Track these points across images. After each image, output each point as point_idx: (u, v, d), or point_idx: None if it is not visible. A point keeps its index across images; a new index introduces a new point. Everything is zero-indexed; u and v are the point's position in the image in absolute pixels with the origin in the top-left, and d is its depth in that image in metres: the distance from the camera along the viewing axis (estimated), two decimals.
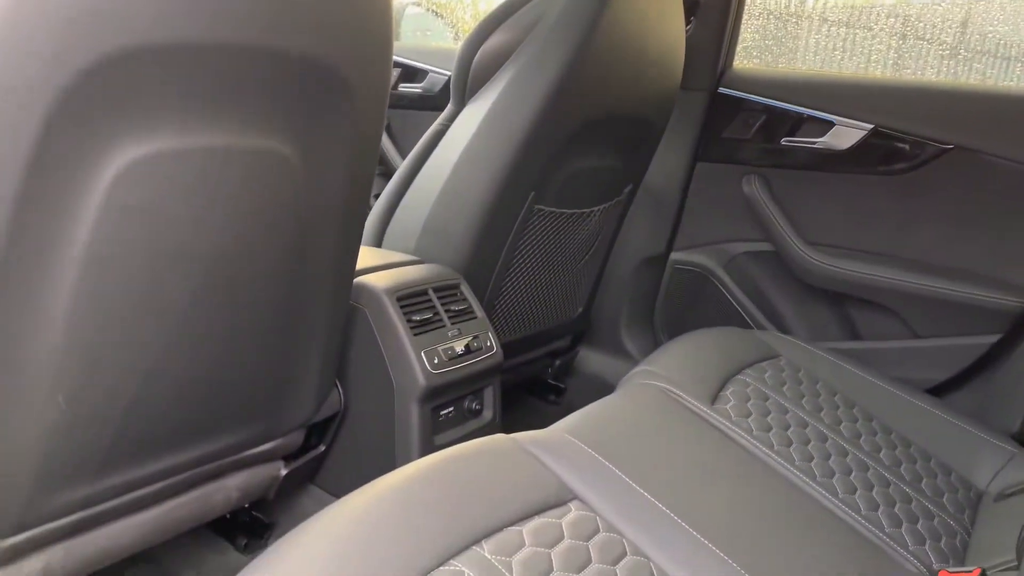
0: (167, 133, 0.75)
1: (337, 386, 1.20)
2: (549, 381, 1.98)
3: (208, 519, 1.09)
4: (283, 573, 0.65)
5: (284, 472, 1.16)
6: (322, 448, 1.22)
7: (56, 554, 0.89)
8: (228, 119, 0.80)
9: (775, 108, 1.73)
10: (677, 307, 1.97)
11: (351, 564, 0.67)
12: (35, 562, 0.87)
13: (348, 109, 0.90)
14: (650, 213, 1.91)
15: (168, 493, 0.99)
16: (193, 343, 0.88)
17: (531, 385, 1.99)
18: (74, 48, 0.64)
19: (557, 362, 1.90)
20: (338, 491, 1.27)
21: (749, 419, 1.15)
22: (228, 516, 1.28)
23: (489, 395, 1.34)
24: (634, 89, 1.44)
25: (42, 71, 0.63)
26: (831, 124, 1.66)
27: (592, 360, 2.04)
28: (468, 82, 1.40)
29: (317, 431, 1.20)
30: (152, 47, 0.69)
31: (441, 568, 0.70)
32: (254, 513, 1.28)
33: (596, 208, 1.60)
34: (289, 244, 0.95)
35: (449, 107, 1.45)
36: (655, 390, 1.15)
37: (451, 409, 1.26)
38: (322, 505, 1.29)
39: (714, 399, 1.17)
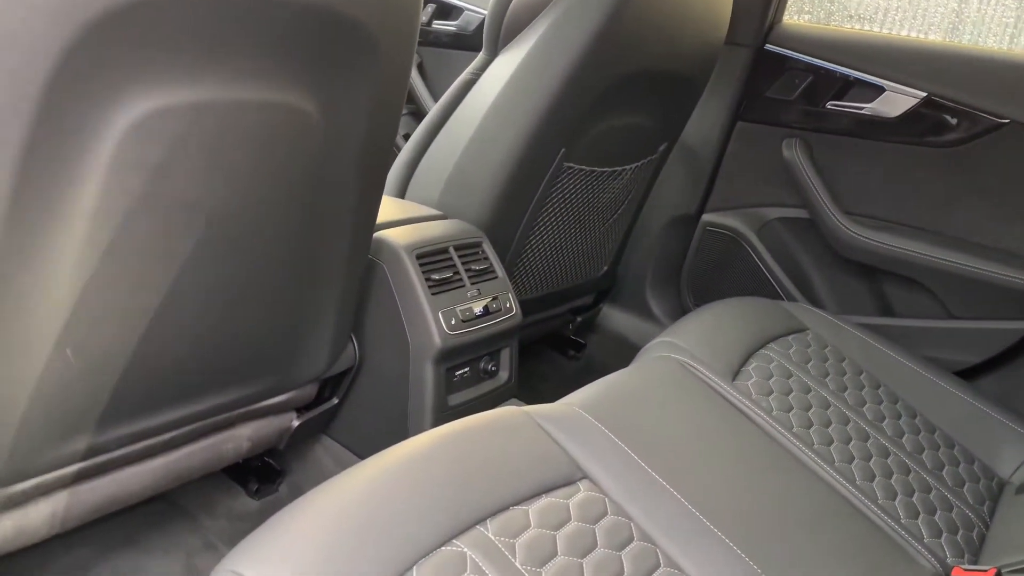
0: (179, 86, 0.72)
1: (353, 341, 1.19)
2: (570, 336, 1.96)
3: (219, 467, 1.10)
4: (283, 544, 0.64)
5: (296, 423, 1.16)
6: (335, 401, 1.21)
7: (63, 500, 0.90)
8: (244, 73, 0.76)
9: (823, 69, 1.65)
10: (705, 270, 1.93)
11: (352, 539, 0.66)
12: (43, 507, 0.88)
13: (371, 64, 0.86)
14: (684, 172, 1.85)
15: (178, 442, 1.00)
16: (203, 298, 0.87)
17: (552, 339, 1.98)
18: (78, 1, 0.60)
19: (579, 319, 1.88)
20: (351, 443, 1.28)
21: (770, 397, 1.12)
22: (241, 461, 1.29)
23: (506, 356, 1.32)
24: (674, 44, 1.37)
25: (46, 25, 0.60)
26: (881, 90, 1.58)
27: (615, 318, 2.01)
28: (501, 32, 1.35)
29: (331, 384, 1.19)
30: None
31: (443, 548, 0.69)
32: (267, 459, 1.28)
33: (628, 166, 1.54)
34: (306, 199, 0.92)
35: (481, 56, 1.40)
36: (675, 364, 1.12)
37: (466, 370, 1.24)
38: (334, 456, 1.30)
39: (735, 374, 1.15)
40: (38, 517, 0.88)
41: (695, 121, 1.73)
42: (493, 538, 0.72)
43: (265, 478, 1.26)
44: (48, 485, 0.86)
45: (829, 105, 1.65)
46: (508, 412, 0.88)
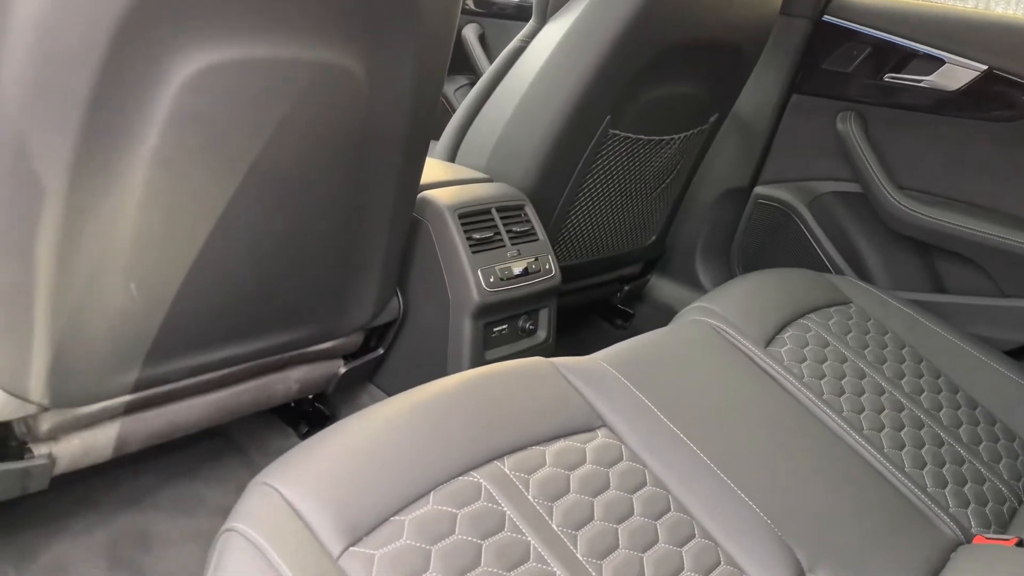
0: (234, 43, 0.78)
1: (398, 295, 1.25)
2: (618, 306, 1.99)
3: (270, 406, 1.17)
4: (313, 463, 0.70)
5: (343, 370, 1.22)
6: (380, 351, 1.28)
7: (126, 425, 0.99)
8: (295, 31, 0.82)
9: (881, 41, 1.62)
10: (756, 243, 1.92)
11: (376, 463, 0.71)
12: (108, 430, 0.97)
13: (413, 26, 0.90)
14: (736, 144, 1.84)
15: (232, 379, 1.07)
16: (254, 246, 0.94)
17: (600, 308, 2.01)
18: None
19: (627, 288, 1.90)
20: (394, 391, 1.34)
21: (802, 364, 1.13)
22: (293, 405, 1.37)
23: (544, 316, 1.36)
24: (725, 14, 1.38)
25: None
26: (940, 62, 1.55)
27: (663, 288, 2.02)
28: (550, 0, 1.37)
29: (376, 334, 1.26)
30: None
31: (460, 478, 0.74)
32: (316, 404, 1.36)
33: (677, 136, 1.56)
34: (352, 156, 0.98)
35: (530, 23, 1.43)
36: (706, 327, 1.15)
37: (505, 327, 1.29)
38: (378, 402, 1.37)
39: (769, 341, 1.16)
40: (103, 438, 0.97)
41: (748, 92, 1.72)
42: (508, 472, 0.76)
43: (314, 421, 1.34)
44: (112, 410, 0.94)
45: (887, 78, 1.62)
46: (534, 361, 0.92)
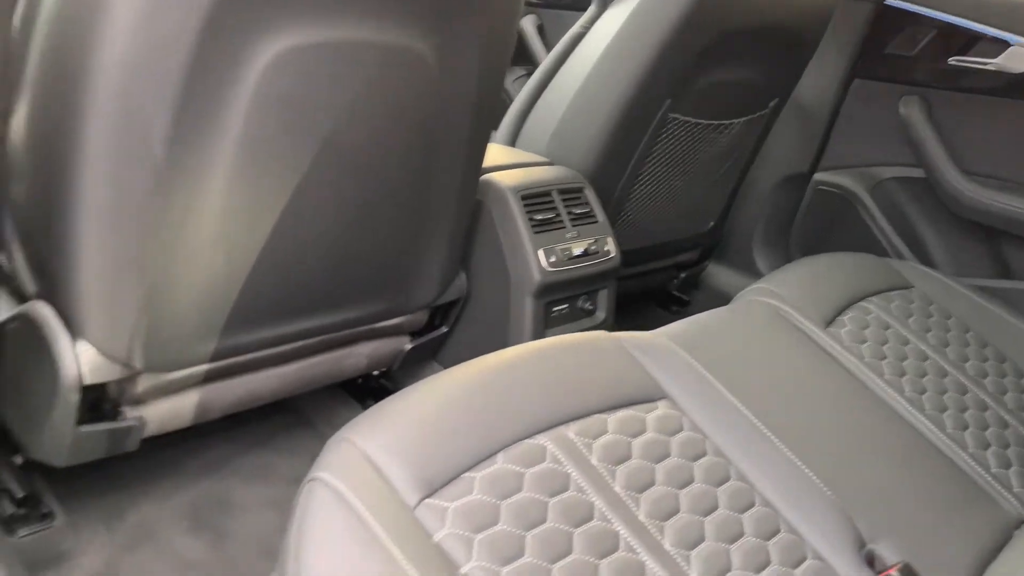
0: (314, 26, 0.82)
1: (462, 274, 1.29)
2: (674, 293, 2.00)
3: (340, 379, 1.23)
4: (394, 419, 0.74)
5: (408, 347, 1.27)
6: (444, 329, 1.32)
7: (211, 392, 1.04)
8: (370, 15, 0.86)
9: (946, 23, 1.60)
10: (815, 230, 1.91)
11: (448, 424, 0.75)
12: (193, 396, 1.02)
13: (482, 11, 0.94)
14: (796, 129, 1.84)
15: (306, 352, 1.13)
16: (330, 220, 0.98)
17: (655, 294, 2.02)
18: None
19: (683, 274, 1.91)
20: None
21: (863, 345, 1.14)
22: (360, 381, 1.42)
23: (603, 297, 1.38)
24: None
25: None
26: (1006, 44, 1.52)
27: (720, 276, 2.03)
28: None
29: (441, 313, 1.30)
30: None
31: (527, 440, 0.77)
32: (382, 381, 1.41)
33: (736, 121, 1.56)
34: (421, 137, 1.02)
35: (591, 9, 1.45)
36: (766, 307, 1.16)
37: (565, 306, 1.32)
38: None
39: (829, 323, 1.16)
40: (188, 404, 1.03)
41: (809, 77, 1.72)
42: (572, 437, 0.79)
43: (380, 397, 1.39)
44: (197, 377, 1.00)
45: (951, 61, 1.60)
46: (596, 334, 0.94)
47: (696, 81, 1.39)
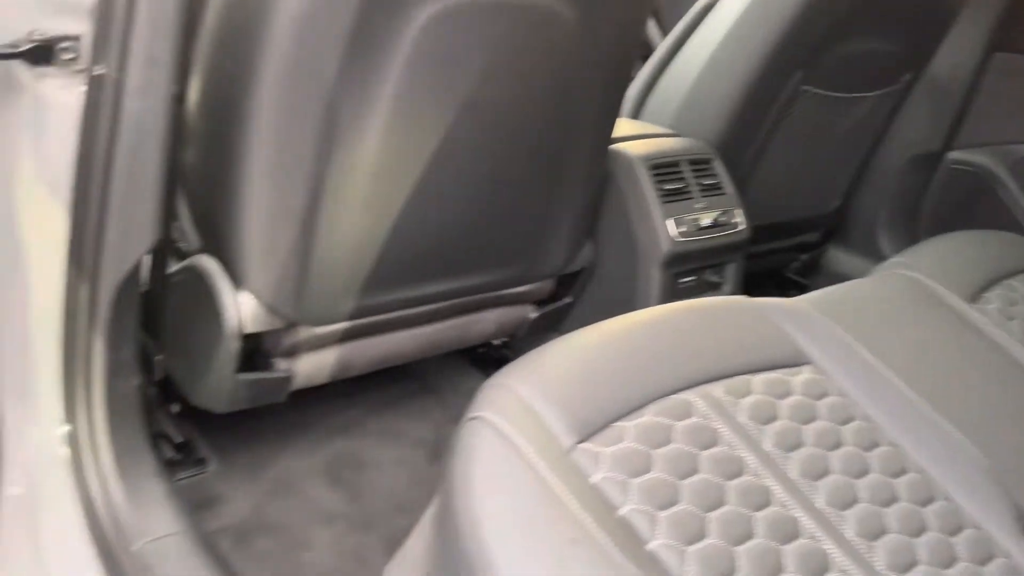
0: None
1: (591, 242, 1.29)
2: (792, 277, 1.95)
3: (468, 344, 1.26)
4: (547, 366, 0.76)
5: (533, 315, 1.29)
6: (569, 299, 1.33)
7: (351, 350, 1.09)
8: None
9: None
10: (948, 210, 1.83)
11: (602, 372, 0.76)
12: (334, 352, 1.07)
13: None
14: (927, 106, 1.75)
15: (438, 316, 1.16)
16: (472, 182, 1.01)
17: (773, 278, 1.97)
18: None
19: (804, 257, 1.86)
20: None
21: (1012, 322, 1.08)
22: (483, 351, 1.45)
23: (731, 270, 1.37)
24: None
25: None
26: None
27: (841, 260, 1.96)
28: None
29: (567, 282, 1.31)
30: None
31: (674, 395, 0.77)
32: (503, 351, 1.44)
33: (869, 94, 1.51)
34: (558, 100, 1.03)
35: None
36: (908, 280, 1.12)
37: (692, 279, 1.31)
38: None
39: (974, 299, 1.11)
40: (331, 359, 1.07)
41: (945, 51, 1.64)
42: (720, 396, 0.79)
43: (501, 366, 1.41)
44: (340, 334, 1.05)
45: None
46: (737, 299, 0.94)
47: (830, 51, 1.35)
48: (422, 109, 0.90)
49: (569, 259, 1.22)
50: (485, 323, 1.23)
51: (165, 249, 0.91)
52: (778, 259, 1.82)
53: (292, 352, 1.03)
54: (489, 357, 1.45)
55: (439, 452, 1.27)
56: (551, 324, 1.32)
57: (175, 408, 1.11)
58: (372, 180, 0.92)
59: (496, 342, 1.46)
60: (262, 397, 1.04)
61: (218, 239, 0.93)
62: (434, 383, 1.42)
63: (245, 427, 1.22)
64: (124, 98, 0.69)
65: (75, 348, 0.78)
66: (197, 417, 1.14)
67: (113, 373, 0.81)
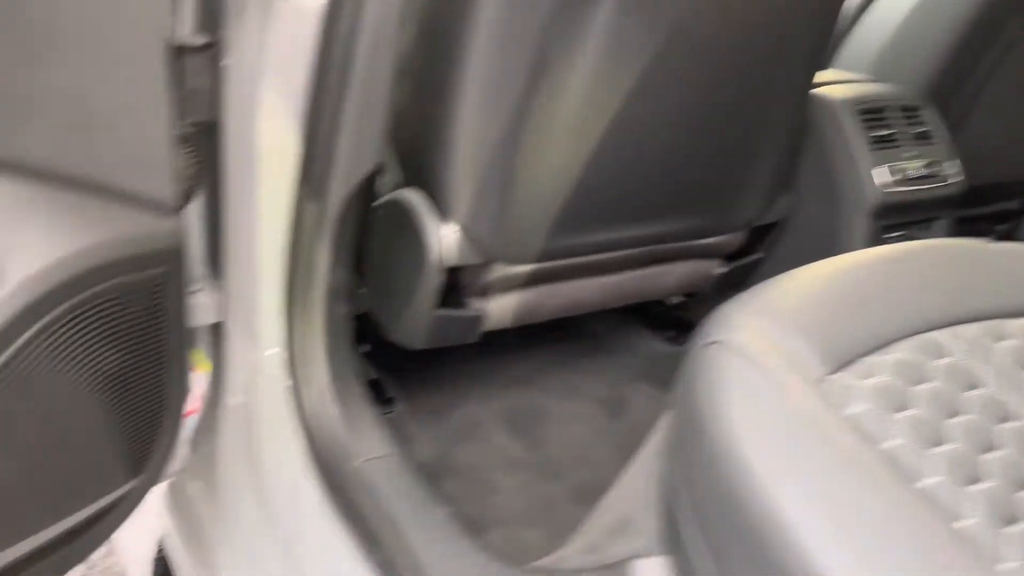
0: None
1: (788, 193, 1.22)
2: None
3: (651, 297, 1.21)
4: (789, 297, 0.71)
5: (720, 271, 1.22)
6: (759, 255, 1.26)
7: (538, 294, 1.06)
8: None
9: None
10: None
11: (849, 305, 0.71)
12: (523, 295, 1.05)
13: None
14: None
15: (625, 264, 1.12)
16: (674, 120, 0.97)
17: None
18: None
19: (1002, 227, 1.70)
20: None
21: None
22: (658, 311, 1.40)
23: (939, 229, 1.26)
24: None
25: None
26: None
27: None
28: None
29: (758, 236, 1.23)
30: None
31: (926, 334, 0.70)
32: (679, 312, 1.38)
33: None
34: (768, 34, 0.97)
35: None
36: None
37: (899, 233, 1.21)
38: None
39: None
40: (519, 302, 1.05)
41: None
42: (975, 338, 0.71)
43: (681, 328, 1.36)
44: (530, 276, 1.02)
45: None
46: (978, 241, 0.85)
47: None
48: (633, 33, 0.86)
49: (765, 209, 1.15)
50: (668, 277, 1.18)
51: (374, 180, 0.91)
52: (974, 228, 1.67)
53: (484, 291, 1.02)
54: (664, 317, 1.40)
55: (618, 410, 1.23)
56: (738, 281, 1.26)
57: (364, 348, 1.12)
58: (578, 113, 0.89)
59: (673, 301, 1.41)
60: (457, 336, 1.03)
61: (424, 172, 0.92)
62: (608, 343, 1.39)
63: (429, 373, 1.22)
64: (365, 4, 0.68)
65: (298, 265, 0.79)
66: (384, 359, 1.15)
67: (332, 295, 0.81)
